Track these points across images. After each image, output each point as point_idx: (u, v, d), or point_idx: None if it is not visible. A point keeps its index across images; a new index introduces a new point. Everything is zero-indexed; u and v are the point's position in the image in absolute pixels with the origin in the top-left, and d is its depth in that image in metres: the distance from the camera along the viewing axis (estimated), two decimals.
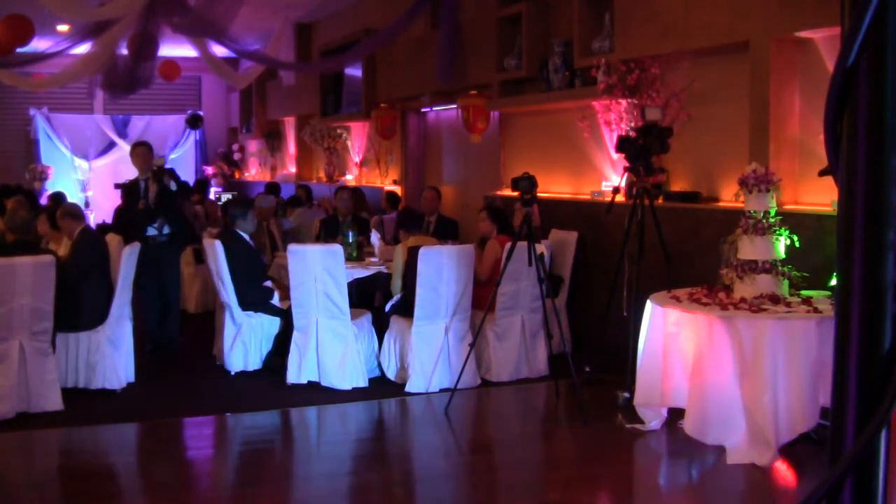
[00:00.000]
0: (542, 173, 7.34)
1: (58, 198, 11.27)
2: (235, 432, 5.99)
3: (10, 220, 6.66)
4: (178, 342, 7.87)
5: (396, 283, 6.85)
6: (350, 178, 13.00)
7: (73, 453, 5.59)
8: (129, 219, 7.81)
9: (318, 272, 6.44)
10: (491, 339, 6.71)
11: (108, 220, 11.44)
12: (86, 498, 4.65)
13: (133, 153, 7.81)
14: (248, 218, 7.39)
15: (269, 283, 7.42)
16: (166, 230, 7.61)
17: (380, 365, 6.79)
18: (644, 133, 6.09)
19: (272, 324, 7.16)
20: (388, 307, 6.99)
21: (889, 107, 1.06)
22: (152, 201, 7.51)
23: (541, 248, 6.23)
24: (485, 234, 7.12)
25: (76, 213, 6.89)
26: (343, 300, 6.47)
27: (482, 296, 6.73)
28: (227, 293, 6.98)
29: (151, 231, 7.57)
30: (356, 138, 13.07)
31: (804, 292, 5.17)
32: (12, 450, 5.51)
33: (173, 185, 7.53)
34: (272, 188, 12.77)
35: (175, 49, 12.03)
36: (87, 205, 16.14)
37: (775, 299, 4.98)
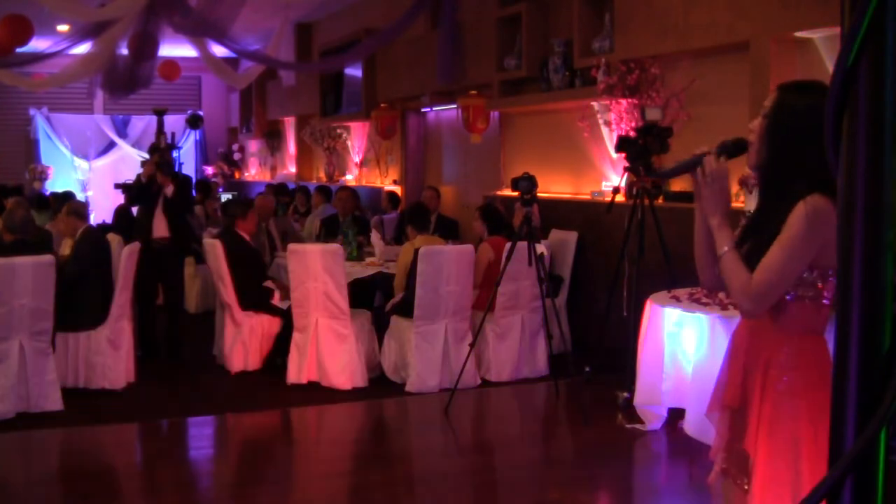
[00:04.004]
0: (542, 173, 7.34)
1: (66, 197, 11.25)
2: (235, 432, 5.99)
3: (8, 220, 6.65)
4: (182, 347, 7.75)
5: (401, 283, 6.81)
6: (350, 178, 13.00)
7: (73, 453, 5.59)
8: (136, 218, 7.74)
9: (318, 272, 6.44)
10: (491, 339, 6.71)
11: (109, 220, 11.42)
12: (86, 498, 4.65)
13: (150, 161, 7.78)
14: (248, 218, 7.38)
15: (269, 283, 7.42)
16: (167, 233, 7.52)
17: (380, 365, 6.79)
18: (644, 133, 6.09)
19: (272, 324, 7.15)
20: (388, 307, 6.98)
21: (889, 107, 1.06)
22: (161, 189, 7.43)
23: (541, 248, 6.23)
24: (480, 235, 7.12)
25: (81, 212, 6.87)
26: (343, 300, 6.47)
27: (482, 296, 6.73)
28: (227, 293, 6.98)
29: (158, 233, 7.49)
30: (356, 138, 13.07)
31: None
32: (12, 450, 5.51)
33: (170, 190, 7.45)
34: (280, 189, 12.74)
35: (175, 49, 12.02)
36: (87, 205, 16.12)
37: None
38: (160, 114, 8.50)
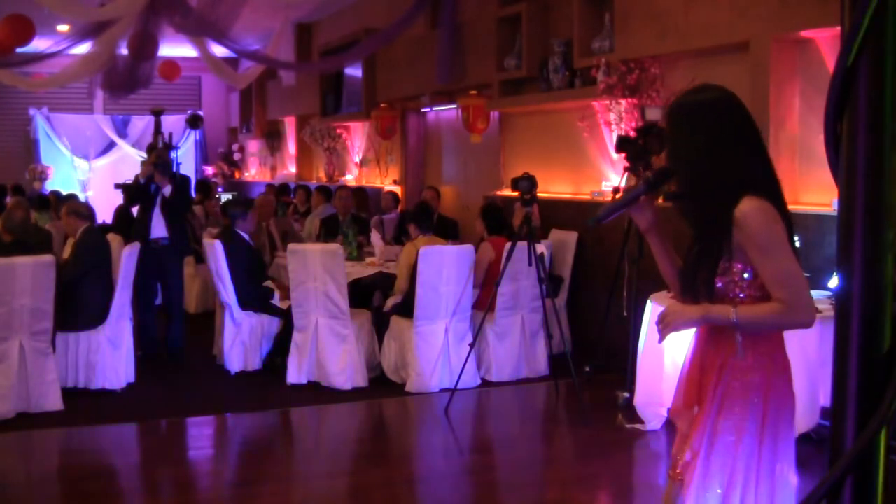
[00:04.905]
0: (542, 173, 7.34)
1: (68, 198, 11.27)
2: (235, 432, 5.99)
3: (6, 221, 6.64)
4: (183, 347, 7.71)
5: (404, 283, 6.76)
6: (350, 178, 13.00)
7: (73, 453, 5.59)
8: (133, 219, 7.73)
9: (318, 272, 6.44)
10: (491, 339, 6.71)
11: (109, 220, 11.41)
12: (86, 498, 4.65)
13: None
14: (248, 218, 7.38)
15: (269, 283, 7.41)
16: (166, 233, 7.50)
17: (380, 365, 6.79)
18: (644, 133, 6.08)
19: (272, 324, 7.15)
20: (388, 306, 6.97)
21: (889, 107, 1.06)
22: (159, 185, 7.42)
23: (541, 248, 6.23)
24: (481, 235, 7.11)
25: (81, 212, 6.82)
26: (343, 300, 6.47)
27: (482, 296, 6.73)
28: (227, 293, 6.98)
29: (156, 233, 7.47)
30: (356, 138, 13.07)
31: None
32: (12, 450, 5.51)
33: (168, 190, 7.44)
34: (283, 190, 12.74)
35: (175, 49, 12.02)
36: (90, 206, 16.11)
37: None
38: (157, 114, 8.38)
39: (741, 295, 2.33)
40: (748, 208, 2.25)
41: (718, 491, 2.34)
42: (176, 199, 7.48)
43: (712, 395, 2.39)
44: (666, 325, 2.42)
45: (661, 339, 2.47)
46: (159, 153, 7.65)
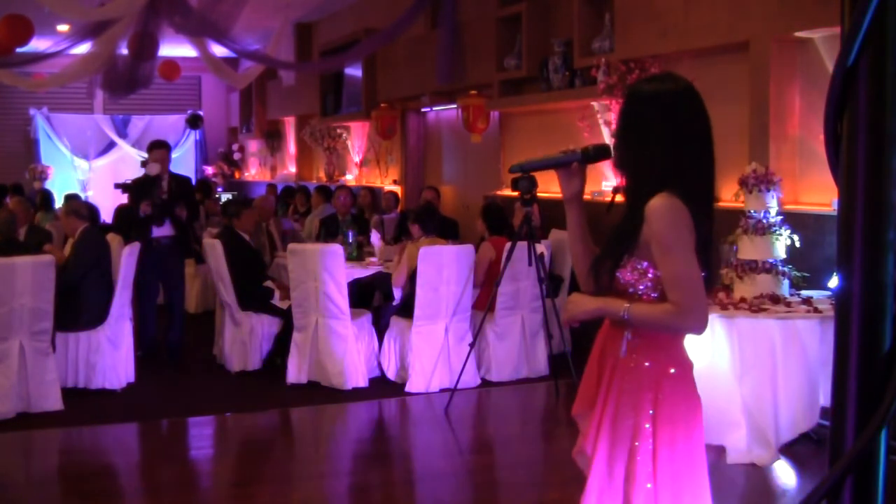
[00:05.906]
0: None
1: (49, 196, 11.30)
2: (235, 432, 5.99)
3: None
4: (183, 347, 7.69)
5: (398, 277, 6.74)
6: (350, 178, 13.00)
7: (73, 453, 5.59)
8: (133, 219, 7.68)
9: (318, 272, 6.44)
10: (491, 339, 6.71)
11: (108, 219, 11.42)
12: (86, 498, 4.65)
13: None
14: (243, 217, 7.36)
15: (269, 283, 7.41)
16: (169, 231, 7.48)
17: (380, 365, 6.79)
18: None
19: (272, 324, 7.15)
20: (394, 302, 6.96)
21: (889, 107, 1.06)
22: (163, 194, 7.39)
23: (541, 248, 6.23)
24: (481, 235, 7.11)
25: (80, 212, 6.82)
26: (343, 300, 6.47)
27: (482, 295, 6.73)
28: (227, 293, 6.98)
29: (158, 232, 7.44)
30: (356, 138, 13.08)
31: (804, 292, 5.17)
32: (12, 450, 5.51)
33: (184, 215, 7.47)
34: (288, 192, 12.75)
35: (175, 49, 12.02)
36: (94, 206, 16.11)
37: (775, 299, 4.98)
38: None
39: (641, 288, 2.28)
40: (656, 204, 2.21)
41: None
42: (188, 216, 7.53)
43: (604, 398, 2.34)
44: (566, 312, 2.40)
45: (565, 325, 2.46)
46: (156, 199, 7.46)
